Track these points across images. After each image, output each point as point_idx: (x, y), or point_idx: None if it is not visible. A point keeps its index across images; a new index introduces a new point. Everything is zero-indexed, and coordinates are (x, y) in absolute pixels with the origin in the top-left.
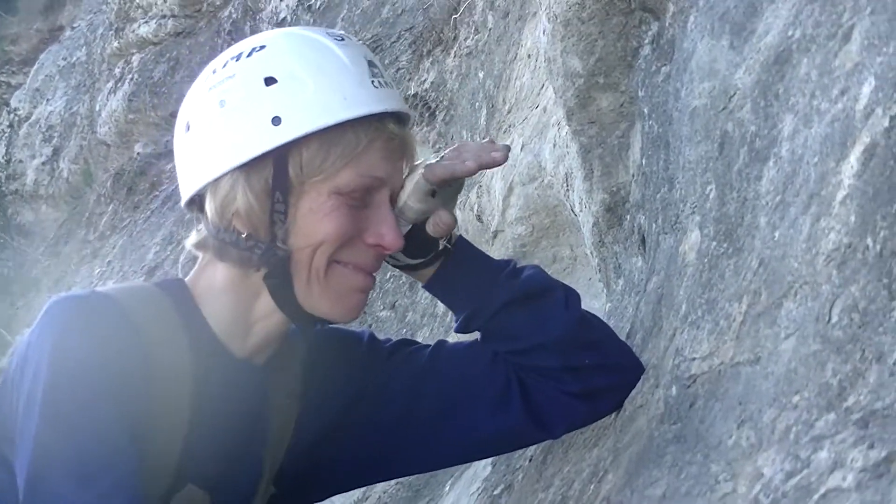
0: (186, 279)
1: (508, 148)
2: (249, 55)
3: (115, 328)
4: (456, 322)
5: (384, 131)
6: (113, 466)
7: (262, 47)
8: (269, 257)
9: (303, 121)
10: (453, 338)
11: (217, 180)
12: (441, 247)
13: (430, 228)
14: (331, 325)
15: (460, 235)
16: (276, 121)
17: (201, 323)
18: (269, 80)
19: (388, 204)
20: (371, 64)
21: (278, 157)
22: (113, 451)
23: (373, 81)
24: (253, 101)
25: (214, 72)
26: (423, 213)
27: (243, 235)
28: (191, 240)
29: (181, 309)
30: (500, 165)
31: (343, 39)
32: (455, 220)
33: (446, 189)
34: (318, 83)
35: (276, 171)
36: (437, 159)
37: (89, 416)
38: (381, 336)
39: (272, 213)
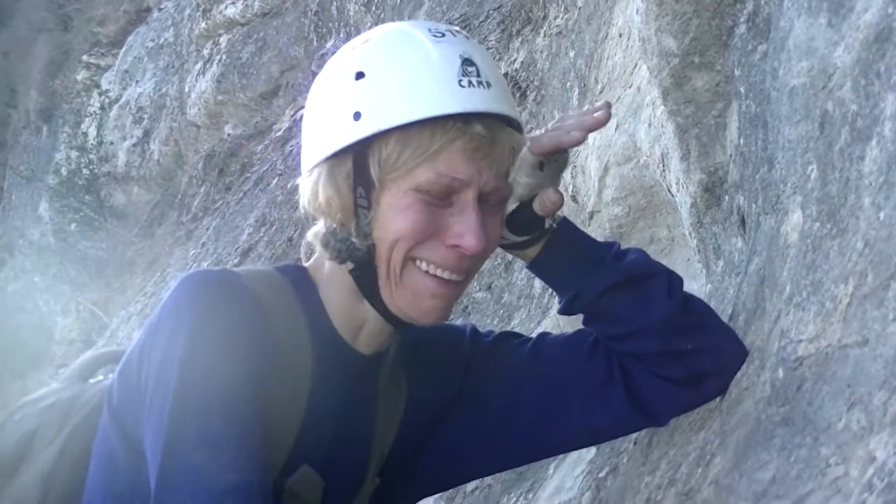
0: (307, 265)
1: (609, 105)
2: (353, 48)
3: (248, 307)
4: (559, 303)
5: (466, 131)
6: (245, 442)
7: (365, 42)
8: (353, 251)
9: (379, 117)
10: (550, 318)
11: (311, 171)
12: (547, 225)
13: (537, 207)
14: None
15: (564, 216)
16: (357, 116)
17: (320, 311)
18: (359, 75)
19: (473, 206)
20: (467, 62)
21: (358, 152)
22: (247, 426)
23: (460, 81)
24: (341, 96)
25: (332, 63)
26: (532, 188)
27: (335, 227)
28: (311, 230)
29: (302, 295)
30: (605, 125)
31: (444, 35)
32: (562, 199)
33: (552, 164)
34: (399, 80)
35: (356, 166)
36: (542, 132)
37: (223, 391)
38: (481, 326)
39: (356, 208)
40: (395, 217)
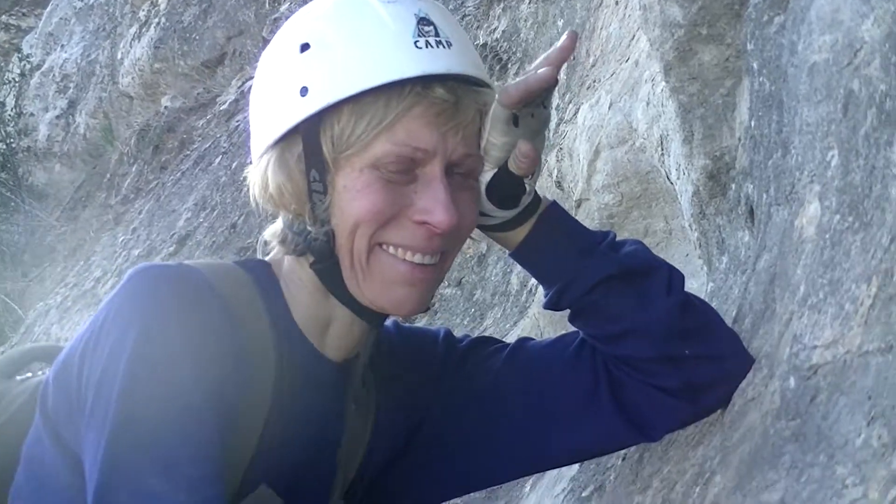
0: (268, 259)
1: (574, 32)
2: (297, 19)
3: (206, 305)
4: (545, 297)
5: (426, 96)
6: (201, 455)
7: (309, 10)
8: (311, 242)
9: (327, 90)
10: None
11: (259, 158)
12: (528, 189)
13: (512, 166)
14: (407, 325)
15: (554, 201)
16: (304, 91)
17: (284, 310)
18: (304, 47)
19: (441, 177)
20: (423, 21)
21: (308, 131)
22: (201, 439)
23: (416, 42)
24: (287, 71)
25: (277, 38)
26: (508, 147)
27: (290, 217)
28: (268, 230)
29: (265, 293)
30: (571, 53)
31: None
32: (535, 151)
33: (528, 118)
34: (347, 48)
35: (307, 147)
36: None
37: (176, 399)
38: (450, 327)
39: (310, 193)
40: (352, 199)
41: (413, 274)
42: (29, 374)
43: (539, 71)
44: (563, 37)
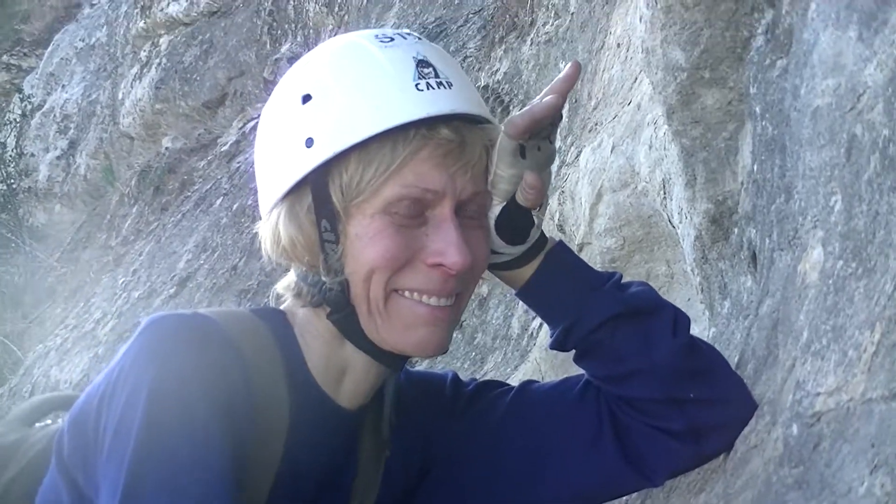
0: (283, 308)
1: (578, 64)
2: (296, 71)
3: (220, 354)
4: (551, 336)
5: (432, 138)
6: (213, 499)
7: (307, 62)
8: (326, 292)
9: (333, 139)
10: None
11: (269, 213)
12: (536, 221)
13: (520, 198)
14: (415, 370)
15: (560, 240)
16: (309, 142)
17: (299, 359)
18: (306, 98)
19: (451, 218)
20: (422, 64)
21: (317, 182)
22: (215, 485)
23: (417, 84)
24: (290, 123)
25: (277, 91)
26: (515, 180)
27: (304, 270)
28: (281, 282)
29: (280, 343)
30: (575, 82)
31: (392, 40)
32: (543, 183)
33: (534, 151)
34: (349, 96)
35: (316, 198)
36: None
37: (191, 446)
38: (450, 370)
39: (322, 244)
40: (366, 247)
41: (433, 315)
42: (48, 422)
43: (545, 99)
44: (567, 66)
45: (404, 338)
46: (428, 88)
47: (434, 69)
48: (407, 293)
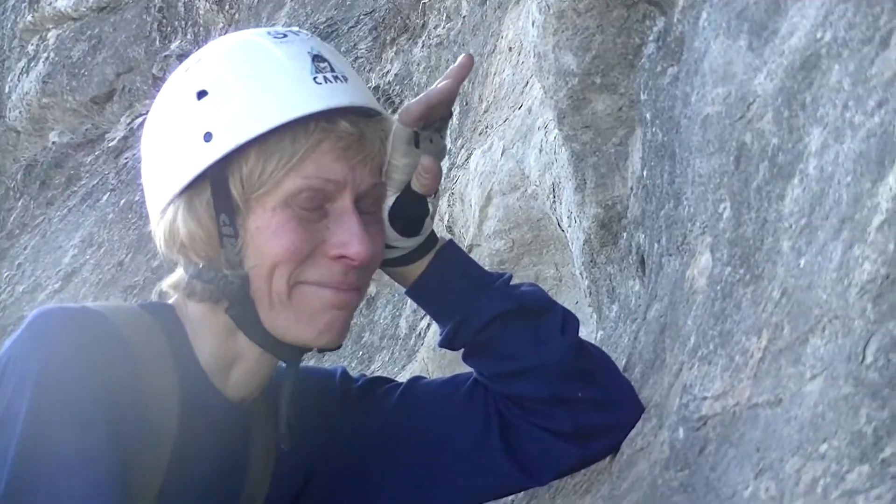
0: (172, 302)
1: (471, 56)
2: (187, 70)
3: (108, 348)
4: (440, 334)
5: (332, 130)
6: (100, 496)
7: (199, 59)
8: (226, 287)
9: (232, 133)
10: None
11: (164, 210)
12: (431, 210)
13: (415, 185)
14: (307, 366)
15: (451, 238)
16: (208, 137)
17: (189, 354)
18: (201, 94)
19: (352, 210)
20: (317, 59)
21: (216, 177)
22: (100, 479)
23: (315, 78)
24: (185, 119)
25: (166, 90)
26: (409, 169)
27: (200, 266)
28: (166, 281)
29: (171, 337)
30: (469, 71)
31: (286, 36)
32: (438, 168)
33: (427, 141)
34: (247, 90)
35: (215, 192)
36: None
37: (77, 440)
38: (351, 371)
39: (221, 238)
40: (268, 240)
41: (338, 297)
42: None
43: (440, 85)
44: (461, 56)
45: (310, 326)
46: (325, 82)
47: (329, 64)
48: (309, 285)
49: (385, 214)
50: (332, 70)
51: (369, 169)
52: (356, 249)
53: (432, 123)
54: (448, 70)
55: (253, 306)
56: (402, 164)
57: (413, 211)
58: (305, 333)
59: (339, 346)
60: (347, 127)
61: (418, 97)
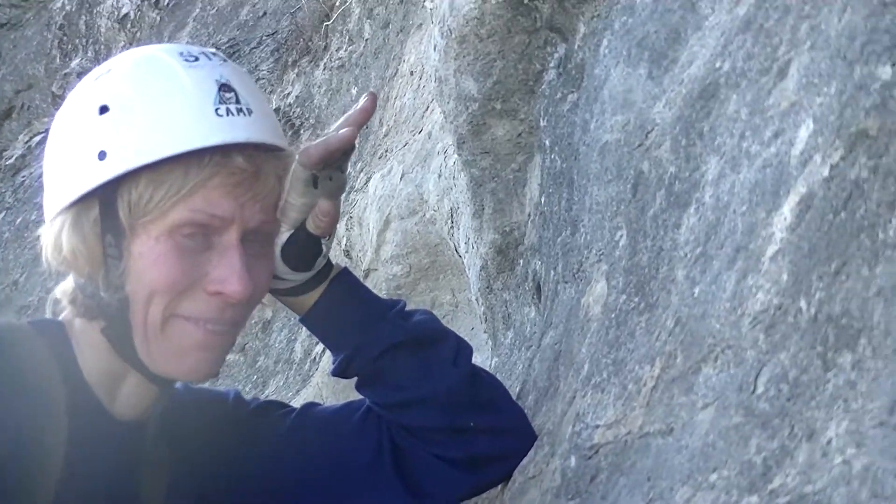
0: (62, 319)
1: (374, 94)
2: (96, 78)
3: None
4: (333, 363)
5: (226, 165)
6: None
7: (109, 70)
8: (104, 306)
9: (126, 156)
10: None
11: (53, 219)
12: (324, 250)
13: (310, 225)
14: (196, 386)
15: (345, 267)
16: (102, 155)
17: (76, 372)
18: (103, 109)
19: (237, 246)
20: (224, 88)
21: (105, 196)
22: None
23: (217, 109)
24: (84, 133)
25: (72, 96)
26: (306, 208)
27: (82, 281)
28: (59, 287)
29: (57, 353)
30: (371, 114)
31: (198, 59)
32: (336, 210)
33: (326, 181)
34: (148, 113)
35: (103, 212)
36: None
37: None
38: (245, 394)
39: (105, 258)
40: (148, 268)
41: (207, 339)
42: None
43: (340, 131)
44: (364, 98)
45: (176, 363)
46: (228, 114)
47: (236, 94)
48: (184, 319)
49: (278, 250)
50: (238, 101)
51: (261, 206)
52: (234, 287)
53: (332, 163)
54: (349, 113)
55: (129, 330)
56: (299, 203)
57: (306, 249)
58: (172, 369)
59: (213, 378)
60: (242, 163)
61: (318, 141)
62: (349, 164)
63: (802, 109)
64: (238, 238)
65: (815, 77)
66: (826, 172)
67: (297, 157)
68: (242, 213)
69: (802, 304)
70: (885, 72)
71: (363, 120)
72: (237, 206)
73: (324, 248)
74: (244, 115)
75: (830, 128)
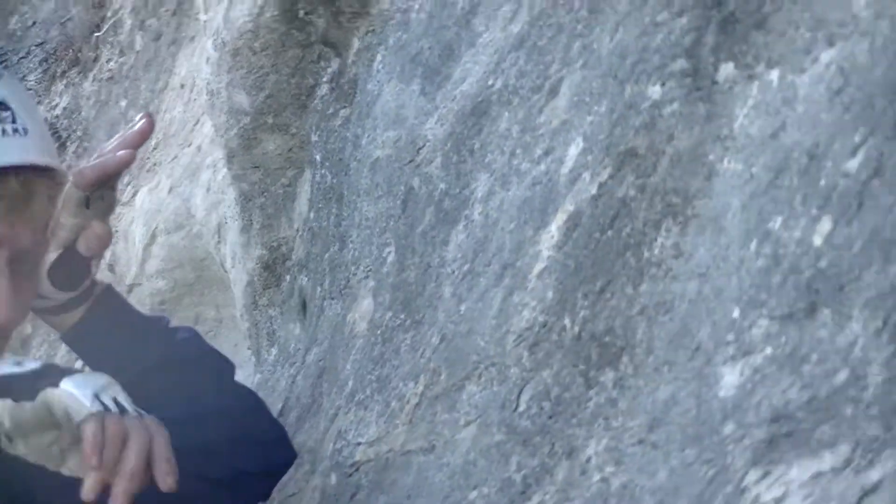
0: None
1: (150, 114)
2: None
3: None
4: None
5: None
6: None
7: None
8: None
9: None
10: None
11: None
12: (93, 270)
13: (81, 247)
14: None
15: (109, 284)
16: None
17: None
18: None
19: (3, 271)
20: (1, 107)
21: None
22: None
23: None
24: None
25: None
26: (77, 229)
27: None
28: None
29: None
30: (149, 136)
31: None
32: (110, 233)
33: (98, 201)
34: None
35: None
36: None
37: None
38: None
39: None
40: None
41: None
42: None
43: (118, 154)
44: (142, 119)
45: None
46: (3, 135)
47: (12, 113)
48: None
49: (44, 270)
50: (14, 121)
51: (32, 228)
52: None
53: (105, 183)
54: (127, 134)
55: None
56: (71, 223)
57: (74, 270)
58: None
59: None
60: (15, 186)
61: (95, 162)
62: (119, 184)
63: (573, 128)
64: (7, 261)
65: (587, 95)
66: (594, 191)
67: (70, 177)
68: (13, 234)
69: (567, 321)
70: (654, 91)
71: (140, 142)
72: (7, 227)
73: (92, 269)
74: (20, 135)
75: (600, 146)
